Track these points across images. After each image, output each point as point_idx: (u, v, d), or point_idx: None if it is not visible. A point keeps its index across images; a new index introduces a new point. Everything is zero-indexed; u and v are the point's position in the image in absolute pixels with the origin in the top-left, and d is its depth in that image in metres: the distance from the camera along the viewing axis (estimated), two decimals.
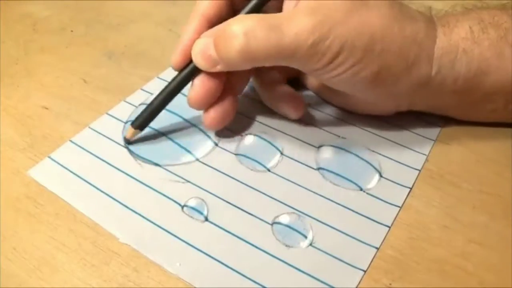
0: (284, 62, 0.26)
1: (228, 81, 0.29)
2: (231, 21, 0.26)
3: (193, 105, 0.28)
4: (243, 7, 0.28)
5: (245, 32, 0.25)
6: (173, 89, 0.28)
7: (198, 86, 0.28)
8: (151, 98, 0.31)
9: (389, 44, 0.25)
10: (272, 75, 0.31)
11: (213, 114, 0.29)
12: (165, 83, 0.34)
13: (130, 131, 0.29)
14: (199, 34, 0.27)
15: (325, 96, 0.33)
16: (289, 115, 0.31)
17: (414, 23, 0.26)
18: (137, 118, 0.29)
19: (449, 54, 0.26)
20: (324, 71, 0.26)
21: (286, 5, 0.27)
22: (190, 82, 0.28)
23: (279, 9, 0.28)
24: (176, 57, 0.28)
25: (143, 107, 0.32)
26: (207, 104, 0.29)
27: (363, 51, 0.25)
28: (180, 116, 0.31)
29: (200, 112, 0.30)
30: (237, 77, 0.30)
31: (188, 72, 0.28)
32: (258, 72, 0.31)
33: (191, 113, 0.31)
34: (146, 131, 0.30)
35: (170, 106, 0.32)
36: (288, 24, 0.24)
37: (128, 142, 0.30)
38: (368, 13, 0.25)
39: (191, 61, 0.28)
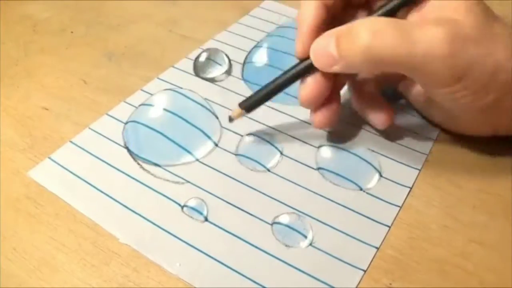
0: (408, 71, 0.25)
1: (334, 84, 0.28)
2: (357, 22, 0.24)
3: (304, 103, 0.28)
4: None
5: (373, 31, 0.23)
6: (289, 78, 0.27)
7: (311, 85, 0.27)
8: (150, 101, 0.31)
9: (510, 75, 0.24)
10: (367, 82, 0.30)
11: (323, 116, 0.28)
12: (166, 84, 0.35)
13: (237, 110, 0.29)
14: (319, 19, 0.26)
15: (427, 113, 0.31)
16: (376, 125, 0.30)
17: None
18: (247, 99, 0.29)
19: None
20: (446, 91, 0.24)
21: (410, 19, 0.26)
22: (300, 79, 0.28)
23: None
24: (299, 45, 0.27)
25: (144, 107, 0.32)
26: (317, 104, 0.28)
27: (488, 78, 0.24)
28: (180, 117, 0.31)
29: (200, 112, 0.30)
30: (341, 80, 0.29)
31: (307, 65, 0.27)
32: (354, 81, 0.30)
33: (191, 113, 0.31)
34: (146, 131, 0.30)
35: (170, 106, 0.32)
36: (421, 32, 0.23)
37: (231, 120, 0.29)
38: (494, 44, 0.24)
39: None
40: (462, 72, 0.23)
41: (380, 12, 0.26)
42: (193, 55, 0.37)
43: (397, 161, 0.29)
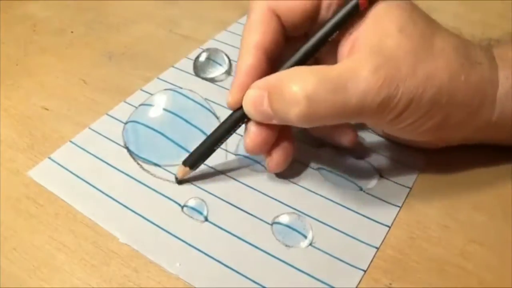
0: (347, 120, 0.25)
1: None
2: (287, 76, 0.24)
3: (251, 152, 0.27)
4: (296, 38, 0.26)
5: (307, 96, 0.22)
6: (227, 129, 0.27)
7: (253, 134, 0.26)
8: (150, 101, 0.31)
9: (455, 95, 0.24)
10: None
11: (277, 159, 0.27)
12: (166, 84, 0.35)
13: (181, 170, 0.27)
14: (257, 70, 0.25)
15: (387, 132, 0.31)
16: (344, 144, 0.29)
17: (478, 69, 0.25)
18: (188, 157, 0.27)
19: (510, 97, 0.25)
20: (389, 124, 0.24)
21: (341, 53, 0.25)
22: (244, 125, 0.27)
23: (330, 53, 0.26)
24: (232, 96, 0.26)
25: (143, 107, 0.32)
26: (265, 151, 0.27)
27: (430, 104, 0.23)
28: (180, 117, 0.31)
29: (200, 112, 0.30)
30: None
31: (242, 114, 0.26)
32: None
33: (191, 113, 0.32)
34: (146, 131, 0.30)
35: (170, 107, 0.32)
36: (353, 84, 0.22)
37: (180, 182, 0.28)
38: (434, 64, 0.23)
39: None
40: (401, 110, 0.23)
41: (301, 53, 0.25)
42: (193, 55, 0.37)
43: (397, 161, 0.29)
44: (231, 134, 0.27)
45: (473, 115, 0.25)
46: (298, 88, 0.23)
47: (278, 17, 0.26)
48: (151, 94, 0.34)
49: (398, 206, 0.27)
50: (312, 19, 0.26)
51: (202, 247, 0.25)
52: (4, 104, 0.33)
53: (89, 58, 0.38)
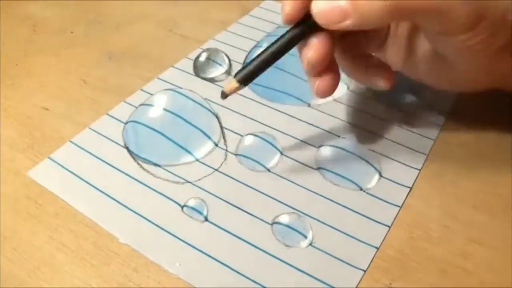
0: (430, 19, 0.23)
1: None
2: None
3: (311, 66, 0.25)
4: None
5: None
6: (285, 44, 0.25)
7: (317, 46, 0.24)
8: (150, 101, 0.31)
9: None
10: (359, 42, 0.28)
11: (326, 82, 0.26)
12: (166, 84, 0.35)
13: (231, 84, 0.25)
14: None
15: (410, 70, 0.30)
16: (381, 86, 0.27)
17: None
18: (240, 71, 0.25)
19: None
20: (463, 38, 0.23)
21: None
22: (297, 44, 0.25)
23: None
24: (289, 8, 0.24)
25: (144, 107, 0.32)
26: (323, 67, 0.26)
27: (501, 21, 0.23)
28: (180, 117, 0.31)
29: (200, 112, 0.30)
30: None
31: (305, 28, 0.24)
32: (344, 44, 0.28)
33: (191, 113, 0.32)
34: (146, 131, 0.30)
35: (170, 106, 0.32)
36: None
37: (225, 96, 0.26)
38: None
39: (306, 17, 0.24)
40: (481, 15, 0.23)
41: None
42: (193, 55, 0.37)
43: (397, 161, 0.29)
44: (289, 49, 0.25)
45: None
46: None
47: None
48: (151, 94, 0.34)
49: (398, 206, 0.27)
50: None
51: (202, 247, 0.25)
52: (4, 104, 0.33)
53: (89, 58, 0.38)
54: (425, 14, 0.23)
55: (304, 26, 0.24)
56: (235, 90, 0.26)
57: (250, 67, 0.25)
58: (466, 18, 0.23)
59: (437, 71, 0.28)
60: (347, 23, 0.23)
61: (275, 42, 0.25)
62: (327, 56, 0.25)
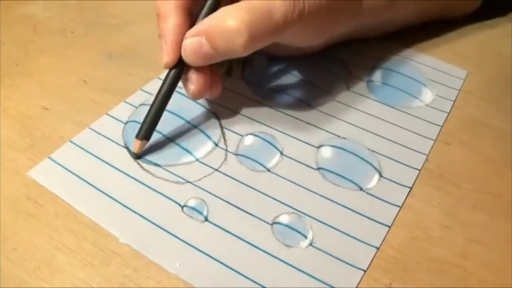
0: (278, 38, 0.28)
1: None
2: (220, 17, 0.26)
3: (197, 97, 0.29)
4: None
5: (247, 26, 0.26)
6: (168, 90, 0.29)
7: (196, 80, 0.28)
8: (150, 101, 0.31)
9: None
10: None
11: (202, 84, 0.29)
12: None
13: (137, 144, 0.29)
14: (183, 28, 0.28)
15: (273, 51, 0.35)
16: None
17: None
18: (140, 129, 0.29)
19: None
20: (302, 29, 0.29)
21: None
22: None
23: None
24: (169, 55, 0.28)
25: (144, 107, 0.32)
26: (208, 91, 0.29)
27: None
28: (180, 117, 0.31)
29: (200, 112, 0.30)
30: None
31: (179, 70, 0.28)
32: None
33: (191, 113, 0.32)
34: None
35: (170, 106, 0.32)
36: (275, 9, 0.26)
37: (139, 156, 0.29)
38: None
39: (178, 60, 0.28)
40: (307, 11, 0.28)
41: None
42: None
43: (397, 161, 0.29)
44: (173, 91, 0.29)
45: None
46: (237, 22, 0.26)
47: None
48: (151, 94, 0.34)
49: (398, 206, 0.27)
50: None
51: (202, 247, 0.25)
52: (4, 104, 0.33)
53: (89, 58, 0.38)
54: (273, 38, 0.27)
55: (180, 66, 0.28)
56: (143, 146, 0.29)
57: (146, 124, 0.29)
58: (297, 22, 0.28)
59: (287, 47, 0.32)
60: (216, 60, 0.28)
61: (160, 91, 0.29)
62: (207, 84, 0.29)
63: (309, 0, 0.28)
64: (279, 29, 0.27)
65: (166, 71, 0.36)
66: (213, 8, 0.28)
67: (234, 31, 0.26)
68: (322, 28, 0.31)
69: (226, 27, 0.26)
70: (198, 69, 0.28)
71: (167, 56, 0.28)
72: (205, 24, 0.27)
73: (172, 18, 0.28)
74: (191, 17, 0.28)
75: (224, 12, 0.26)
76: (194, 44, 0.27)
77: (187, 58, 0.28)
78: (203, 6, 0.28)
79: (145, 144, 0.29)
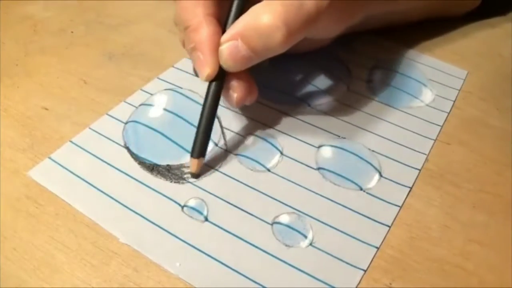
0: (313, 29, 0.27)
1: None
2: (253, 15, 0.25)
3: (241, 104, 0.28)
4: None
5: (283, 20, 0.25)
6: (213, 103, 0.28)
7: (238, 86, 0.28)
8: (150, 101, 0.31)
9: None
10: None
11: (241, 93, 0.28)
12: (166, 84, 0.35)
13: (194, 163, 0.28)
14: (217, 35, 0.27)
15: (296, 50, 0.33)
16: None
17: None
18: (194, 148, 0.28)
19: None
20: (334, 16, 0.28)
21: None
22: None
23: None
24: (210, 66, 0.27)
25: (144, 107, 0.32)
26: (256, 94, 0.29)
27: None
28: (180, 116, 0.31)
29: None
30: None
31: (220, 80, 0.27)
32: None
33: (191, 113, 0.32)
34: (147, 131, 0.30)
35: (169, 106, 0.32)
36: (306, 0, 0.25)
37: (197, 176, 0.28)
38: None
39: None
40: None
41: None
42: None
43: (397, 161, 0.29)
44: (218, 103, 0.28)
45: None
46: (273, 17, 0.25)
47: None
48: (151, 94, 0.34)
49: (398, 206, 0.27)
50: None
51: (202, 247, 0.25)
52: (4, 104, 0.33)
53: (89, 58, 0.38)
54: (309, 30, 0.26)
55: (221, 76, 0.27)
56: (201, 164, 0.28)
57: (199, 141, 0.28)
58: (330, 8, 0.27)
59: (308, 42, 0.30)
60: (255, 62, 0.27)
61: (205, 105, 0.28)
62: (250, 89, 0.28)
63: None
64: (313, 18, 0.26)
65: (166, 71, 0.36)
66: (241, 9, 0.27)
67: (271, 27, 0.25)
68: (347, 13, 0.30)
69: (262, 24, 0.25)
70: (238, 76, 0.27)
71: (208, 68, 0.27)
72: (238, 25, 0.26)
73: (204, 28, 0.27)
74: (221, 24, 0.27)
75: (257, 9, 0.25)
76: (230, 48, 0.26)
77: (226, 64, 0.26)
78: (230, 9, 0.27)
79: (202, 161, 0.28)
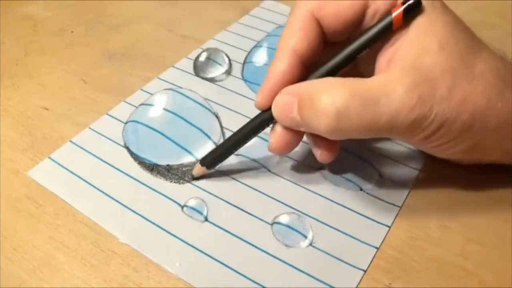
0: (375, 136, 0.23)
1: None
2: (319, 87, 0.23)
3: (273, 152, 0.26)
4: (335, 45, 0.26)
5: (336, 109, 0.22)
6: (251, 130, 0.27)
7: (279, 135, 0.26)
8: (150, 101, 0.31)
9: (489, 121, 0.23)
10: None
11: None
12: (166, 84, 0.35)
13: (198, 168, 0.28)
14: (289, 75, 0.25)
15: None
16: (316, 156, 0.27)
17: None
18: (207, 156, 0.28)
19: None
20: (418, 143, 0.24)
21: (380, 62, 0.25)
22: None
23: (371, 58, 0.25)
24: (261, 98, 0.25)
25: (144, 107, 0.32)
26: (287, 153, 0.27)
27: (462, 129, 0.23)
28: (180, 116, 0.31)
29: (200, 112, 0.30)
30: None
31: (269, 116, 0.26)
32: None
33: (191, 113, 0.32)
34: (146, 131, 0.30)
35: (170, 106, 0.32)
36: (386, 101, 0.22)
37: (195, 178, 0.28)
38: (472, 87, 0.22)
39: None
40: (431, 132, 0.23)
41: (337, 60, 0.24)
42: (193, 55, 0.37)
43: (397, 161, 0.29)
44: (255, 135, 0.27)
45: (505, 140, 0.24)
46: (329, 100, 0.22)
47: (319, 22, 0.25)
48: (151, 94, 0.34)
49: (398, 206, 0.27)
50: (355, 26, 0.25)
51: (202, 247, 0.25)
52: (4, 104, 0.33)
53: (89, 58, 0.38)
54: (365, 135, 0.23)
55: (269, 115, 0.26)
56: (203, 172, 0.28)
57: (216, 155, 0.27)
58: (410, 137, 0.23)
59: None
60: (302, 129, 0.25)
61: (242, 128, 0.27)
62: (288, 145, 0.26)
63: (442, 110, 0.22)
64: (380, 128, 0.22)
65: (166, 71, 0.36)
66: (333, 72, 0.25)
67: (321, 109, 0.22)
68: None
69: (315, 102, 0.23)
70: (288, 128, 0.25)
71: (259, 98, 0.26)
72: (304, 87, 0.24)
73: (280, 61, 0.25)
74: (304, 66, 0.25)
75: (327, 82, 0.23)
76: (285, 103, 0.24)
77: (275, 113, 0.25)
78: (331, 58, 0.25)
79: (205, 171, 0.28)
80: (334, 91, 0.22)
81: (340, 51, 0.24)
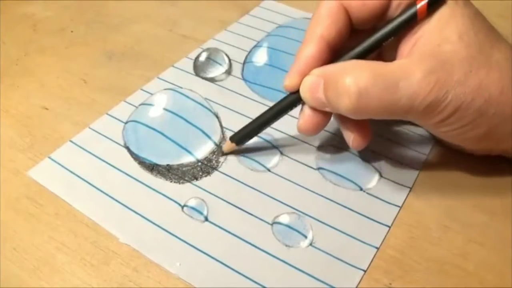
0: (393, 117, 0.25)
1: None
2: (343, 68, 0.24)
3: (302, 132, 0.27)
4: (362, 31, 0.27)
5: (358, 89, 0.23)
6: (279, 110, 0.28)
7: (308, 117, 0.27)
8: (150, 101, 0.31)
9: (503, 108, 0.24)
10: None
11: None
12: (166, 84, 0.35)
13: (228, 145, 0.29)
14: (317, 60, 0.26)
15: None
16: (348, 144, 0.28)
17: None
18: (236, 133, 0.29)
19: None
20: (433, 126, 0.25)
21: (402, 50, 0.26)
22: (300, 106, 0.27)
23: (394, 46, 0.27)
24: (290, 80, 0.27)
25: (144, 107, 0.32)
26: (315, 133, 0.27)
27: (476, 114, 0.24)
28: (180, 116, 0.31)
29: (200, 112, 0.30)
30: None
31: (297, 97, 0.27)
32: None
33: (191, 113, 0.32)
34: (146, 130, 0.30)
35: (170, 106, 0.32)
36: (404, 84, 0.23)
37: (224, 154, 0.29)
38: (488, 74, 0.23)
39: None
40: (447, 115, 0.24)
41: (364, 47, 0.26)
42: (193, 55, 0.37)
43: (397, 161, 0.29)
44: (283, 115, 0.28)
45: None
46: (351, 81, 0.23)
47: (346, 11, 0.27)
48: (151, 94, 0.34)
49: (398, 206, 0.27)
50: (380, 16, 0.27)
51: (202, 247, 0.25)
52: (4, 104, 0.33)
53: (89, 58, 0.38)
54: (385, 116, 0.24)
55: (297, 97, 0.27)
56: (233, 148, 0.29)
57: (245, 131, 0.29)
58: (427, 119, 0.24)
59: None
60: (327, 110, 0.26)
61: (271, 108, 0.28)
62: (316, 126, 0.27)
63: (457, 95, 0.23)
64: (398, 109, 0.23)
65: (166, 70, 0.36)
66: (359, 57, 0.26)
67: (344, 88, 0.23)
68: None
69: (339, 82, 0.24)
70: (316, 109, 0.26)
71: (288, 80, 0.27)
72: (330, 68, 0.25)
73: (309, 46, 0.26)
74: (332, 51, 0.26)
75: (351, 64, 0.25)
76: (313, 83, 0.25)
77: (302, 93, 0.26)
78: (359, 43, 0.26)
79: (234, 148, 0.29)
80: (358, 72, 0.24)
81: (367, 38, 0.26)
